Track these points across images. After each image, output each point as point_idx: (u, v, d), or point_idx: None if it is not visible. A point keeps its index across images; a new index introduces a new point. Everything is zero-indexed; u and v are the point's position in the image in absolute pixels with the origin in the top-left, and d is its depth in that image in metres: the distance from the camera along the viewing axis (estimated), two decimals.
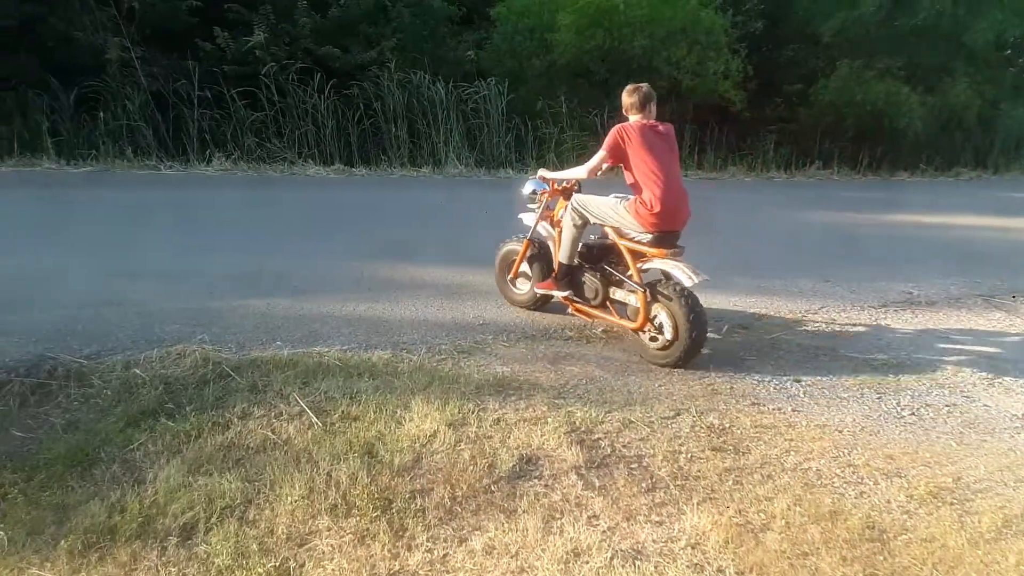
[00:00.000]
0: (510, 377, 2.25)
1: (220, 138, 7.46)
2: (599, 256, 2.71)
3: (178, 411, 1.92)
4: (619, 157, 2.45)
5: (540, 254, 2.88)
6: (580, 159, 7.69)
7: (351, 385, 2.09)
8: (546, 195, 2.82)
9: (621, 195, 2.54)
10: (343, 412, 1.92)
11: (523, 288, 3.02)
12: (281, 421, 1.87)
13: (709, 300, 2.90)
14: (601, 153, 2.46)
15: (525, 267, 2.96)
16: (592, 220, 2.61)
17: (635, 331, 2.51)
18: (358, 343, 2.52)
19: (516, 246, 2.97)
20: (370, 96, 7.81)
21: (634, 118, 2.49)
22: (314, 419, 1.87)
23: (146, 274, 3.30)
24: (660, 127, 2.49)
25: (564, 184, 2.77)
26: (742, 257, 4.38)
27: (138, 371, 2.13)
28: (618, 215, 2.49)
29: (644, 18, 7.98)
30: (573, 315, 2.85)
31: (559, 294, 2.75)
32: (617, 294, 2.59)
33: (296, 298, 3.02)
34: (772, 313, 3.20)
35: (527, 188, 2.93)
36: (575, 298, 2.72)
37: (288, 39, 7.64)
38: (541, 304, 2.97)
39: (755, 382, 2.35)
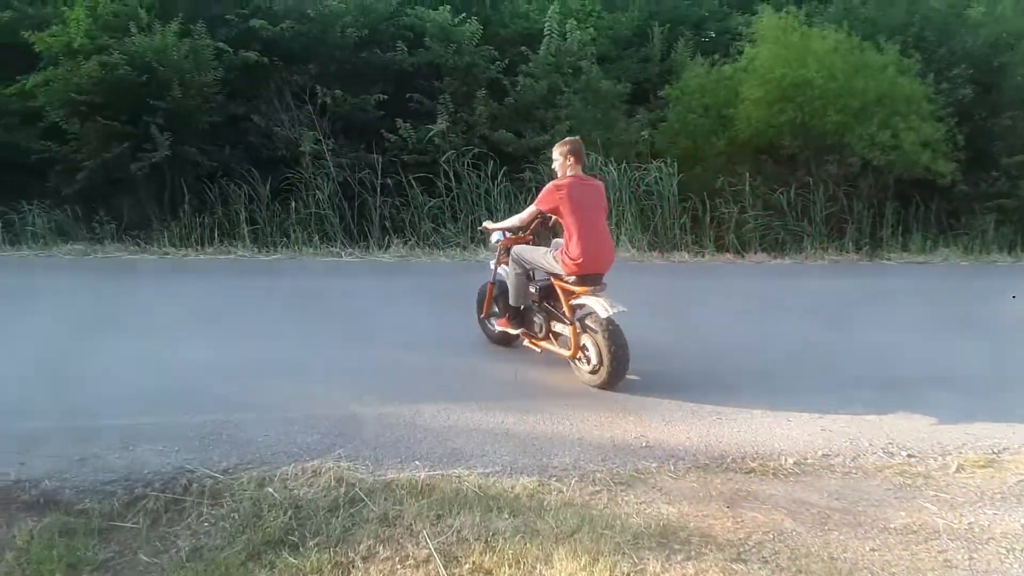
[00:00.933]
0: (677, 523, 2.17)
1: (399, 224, 8.63)
2: (544, 296, 3.67)
3: (302, 544, 2.06)
4: (553, 211, 3.49)
5: (503, 294, 3.84)
6: (764, 240, 8.10)
7: (488, 523, 2.12)
8: (500, 244, 3.85)
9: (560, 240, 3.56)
10: (474, 563, 1.93)
11: (489, 324, 4.06)
12: (407, 568, 1.92)
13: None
14: (531, 208, 3.58)
15: (494, 307, 3.97)
16: (528, 268, 3.65)
17: (570, 359, 3.54)
18: (502, 465, 2.62)
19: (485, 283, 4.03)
20: (543, 179, 8.76)
21: (569, 172, 3.49)
22: (442, 571, 1.90)
23: (300, 370, 3.71)
24: (591, 182, 3.52)
25: (518, 235, 3.81)
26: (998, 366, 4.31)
27: (271, 490, 2.32)
28: (547, 263, 3.52)
29: (838, 90, 8.51)
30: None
31: (512, 331, 3.78)
32: (556, 327, 3.61)
33: (443, 404, 3.21)
34: None
35: (493, 238, 3.97)
36: (528, 333, 3.73)
37: (465, 126, 8.85)
38: (509, 340, 3.95)
39: None
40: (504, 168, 8.78)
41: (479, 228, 4.14)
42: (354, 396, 3.30)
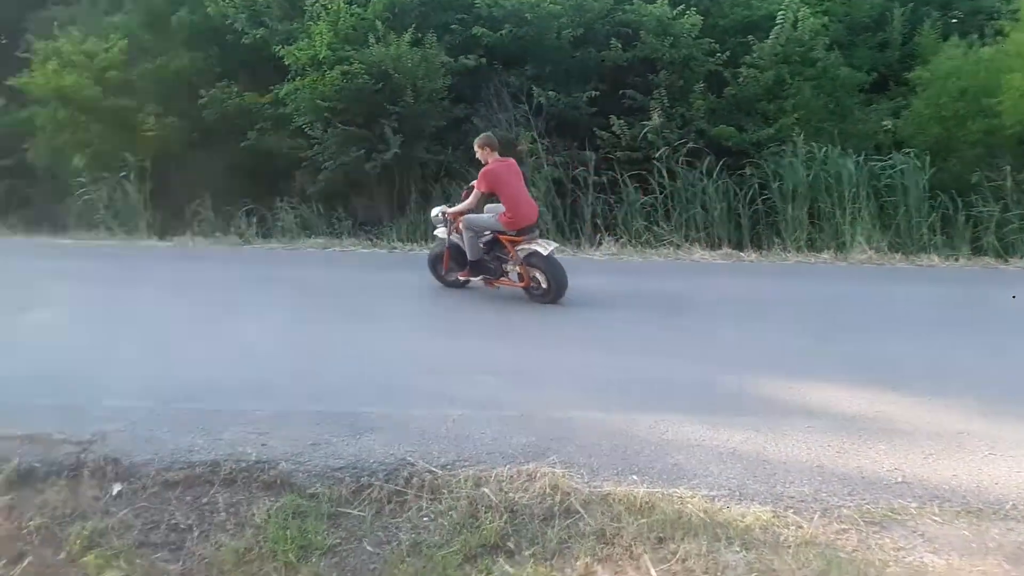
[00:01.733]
0: None
1: (611, 222, 9.57)
2: (489, 248, 5.70)
3: (518, 552, 2.23)
4: (490, 189, 5.51)
5: (457, 253, 5.83)
6: None
7: (717, 555, 2.13)
8: (448, 217, 5.79)
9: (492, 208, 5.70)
10: None
11: (450, 277, 6.08)
12: None
13: None
14: (476, 192, 5.56)
15: (452, 264, 5.95)
16: (479, 230, 5.60)
17: (524, 287, 5.67)
18: (729, 489, 2.63)
19: (440, 248, 6.08)
20: (767, 175, 9.30)
21: (491, 159, 5.57)
22: None
23: (515, 369, 4.10)
24: (507, 161, 5.67)
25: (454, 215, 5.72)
26: None
27: (487, 491, 2.56)
28: (493, 224, 5.56)
29: None
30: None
31: (474, 278, 5.87)
32: (507, 268, 5.70)
33: (662, 414, 3.32)
34: None
35: (434, 212, 6.05)
36: (486, 277, 5.80)
37: (681, 121, 9.66)
38: (462, 285, 6.08)
39: None
40: (722, 162, 9.41)
41: (435, 214, 6.03)
42: (569, 399, 3.53)
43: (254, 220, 9.76)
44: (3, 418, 3.21)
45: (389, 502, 2.60)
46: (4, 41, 11.73)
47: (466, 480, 2.65)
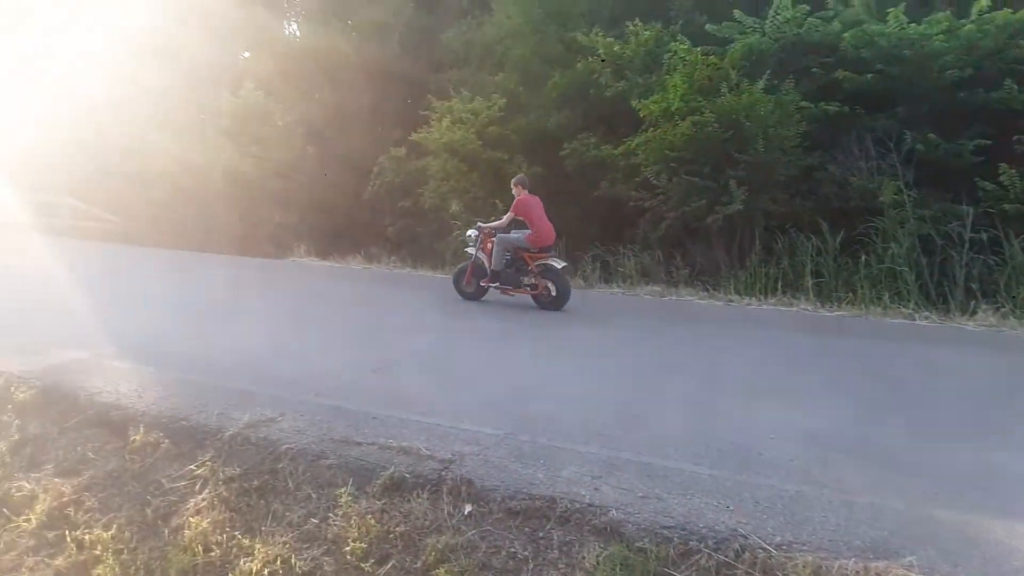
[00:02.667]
0: None
1: (990, 287, 9.66)
2: (511, 263, 8.58)
3: None
4: (520, 216, 8.51)
5: (479, 269, 8.77)
6: None
7: None
8: (482, 235, 8.77)
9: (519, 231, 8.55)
10: None
11: (470, 289, 8.90)
12: None
13: None
14: (509, 214, 8.61)
15: (474, 277, 8.82)
16: (508, 246, 8.52)
17: (534, 296, 8.60)
18: None
19: (464, 265, 9.05)
20: None
21: (522, 193, 8.58)
22: None
23: (864, 447, 4.07)
24: (535, 196, 8.72)
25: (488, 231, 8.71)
26: None
27: None
28: (521, 242, 8.46)
29: None
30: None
31: (493, 285, 8.67)
32: (523, 280, 8.53)
33: None
34: None
35: (470, 232, 9.02)
36: (505, 286, 8.64)
37: None
38: (479, 296, 8.93)
39: None
40: None
41: (470, 234, 9.02)
42: (929, 491, 3.47)
43: (598, 265, 12.16)
44: (386, 430, 4.16)
45: (717, 573, 2.78)
46: (409, 101, 16.24)
47: (804, 567, 2.72)
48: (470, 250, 8.93)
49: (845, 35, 11.10)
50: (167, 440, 4.37)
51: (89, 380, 5.13)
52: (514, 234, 8.60)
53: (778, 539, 2.95)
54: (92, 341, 6.11)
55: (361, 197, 14.33)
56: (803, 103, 10.91)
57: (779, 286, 10.71)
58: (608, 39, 13.16)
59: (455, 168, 13.62)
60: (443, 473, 3.64)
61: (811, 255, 10.83)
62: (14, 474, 4.32)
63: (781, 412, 4.70)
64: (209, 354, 6.10)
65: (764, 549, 2.86)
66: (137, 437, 4.38)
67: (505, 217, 8.71)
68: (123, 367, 5.47)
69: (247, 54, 17.17)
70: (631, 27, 13.20)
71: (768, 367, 6.21)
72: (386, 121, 15.66)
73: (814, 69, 11.26)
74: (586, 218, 12.32)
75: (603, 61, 12.64)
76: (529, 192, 8.68)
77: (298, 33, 17.89)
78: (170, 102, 15.46)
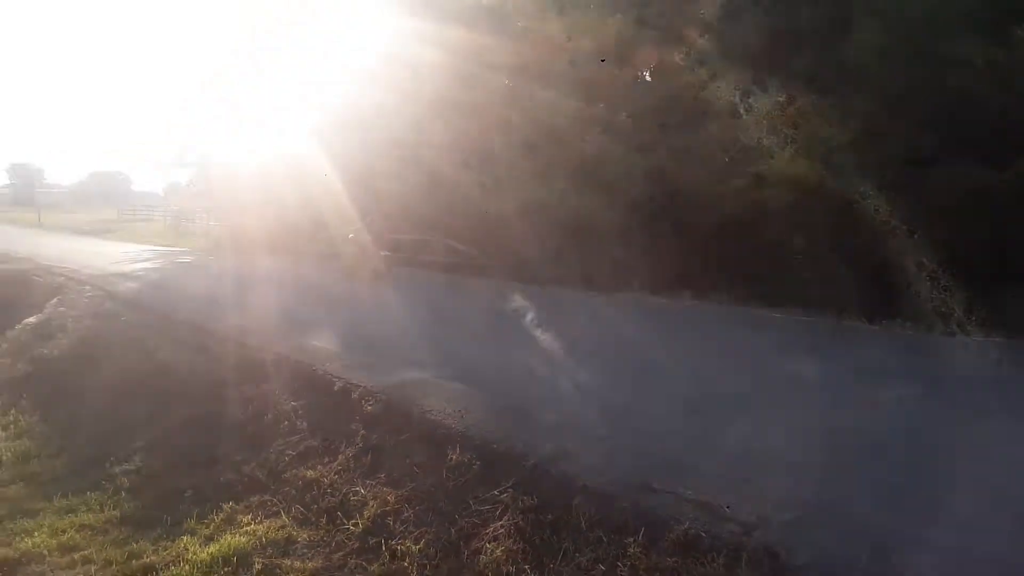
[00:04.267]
0: None
1: None
2: None
3: None
4: None
5: None
6: None
7: None
8: None
9: None
10: None
11: None
12: None
13: None
14: None
15: None
16: None
17: None
18: None
19: None
20: None
21: None
22: None
23: None
24: None
25: None
26: None
27: None
28: None
29: None
30: None
31: None
32: None
33: None
34: None
35: None
36: None
37: None
38: None
39: None
40: None
41: None
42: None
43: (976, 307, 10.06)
44: (688, 480, 3.90)
45: None
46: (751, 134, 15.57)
47: None
48: None
49: None
50: (479, 463, 4.57)
51: (425, 398, 5.64)
52: None
53: None
54: (436, 363, 6.73)
55: (698, 231, 13.85)
56: None
57: None
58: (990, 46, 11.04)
59: (800, 200, 12.53)
60: (743, 539, 3.24)
61: None
62: (354, 479, 4.90)
63: None
64: (527, 382, 6.31)
65: None
66: (454, 456, 4.65)
67: None
68: (455, 388, 5.94)
69: (602, 105, 17.97)
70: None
71: None
72: (732, 154, 14.99)
73: None
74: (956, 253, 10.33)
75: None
76: None
77: (649, 78, 18.21)
78: (524, 150, 16.71)
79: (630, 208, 14.14)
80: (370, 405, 5.68)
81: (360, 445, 5.27)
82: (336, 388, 6.13)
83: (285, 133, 18.85)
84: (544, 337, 8.58)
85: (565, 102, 15.57)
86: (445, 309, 10.89)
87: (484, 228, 15.58)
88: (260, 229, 19.72)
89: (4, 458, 6.35)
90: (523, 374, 6.57)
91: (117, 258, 19.22)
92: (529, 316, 9.77)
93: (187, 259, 18.54)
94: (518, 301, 11.28)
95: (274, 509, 4.89)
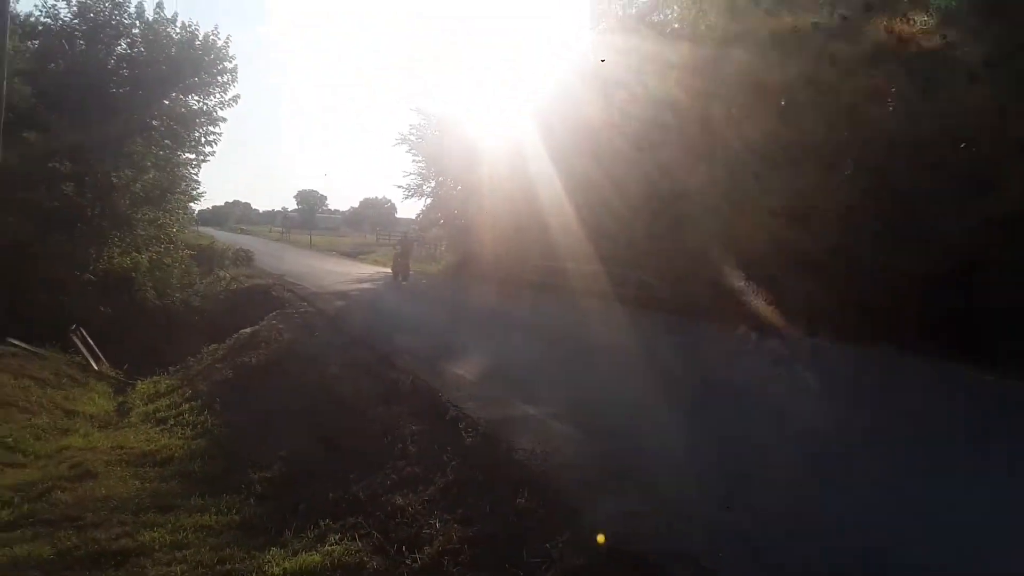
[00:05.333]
0: None
1: None
2: None
3: None
4: None
5: None
6: None
7: None
8: None
9: None
10: None
11: None
12: None
13: None
14: None
15: None
16: None
17: None
18: None
19: None
20: None
21: None
22: None
23: None
24: None
25: None
26: None
27: None
28: None
29: None
30: None
31: None
32: None
33: None
34: None
35: None
36: None
37: None
38: None
39: None
40: None
41: None
42: None
43: None
44: None
45: None
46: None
47: None
48: None
49: None
50: (543, 509, 4.33)
51: (519, 436, 5.49)
52: None
53: None
54: (557, 400, 6.53)
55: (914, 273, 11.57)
56: None
57: None
58: None
59: None
60: None
61: None
62: (435, 511, 4.86)
63: None
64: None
65: None
66: (521, 501, 4.45)
67: None
68: (557, 428, 5.71)
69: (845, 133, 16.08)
70: None
71: None
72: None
73: None
74: None
75: None
76: None
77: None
78: (728, 185, 15.27)
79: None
80: (471, 437, 5.64)
81: (452, 477, 5.23)
82: (448, 417, 6.18)
83: (513, 171, 19.48)
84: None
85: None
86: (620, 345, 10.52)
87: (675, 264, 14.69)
88: (485, 257, 20.74)
89: (177, 455, 7.27)
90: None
91: (347, 278, 21.42)
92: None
93: (405, 283, 20.09)
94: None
95: (362, 532, 5.01)
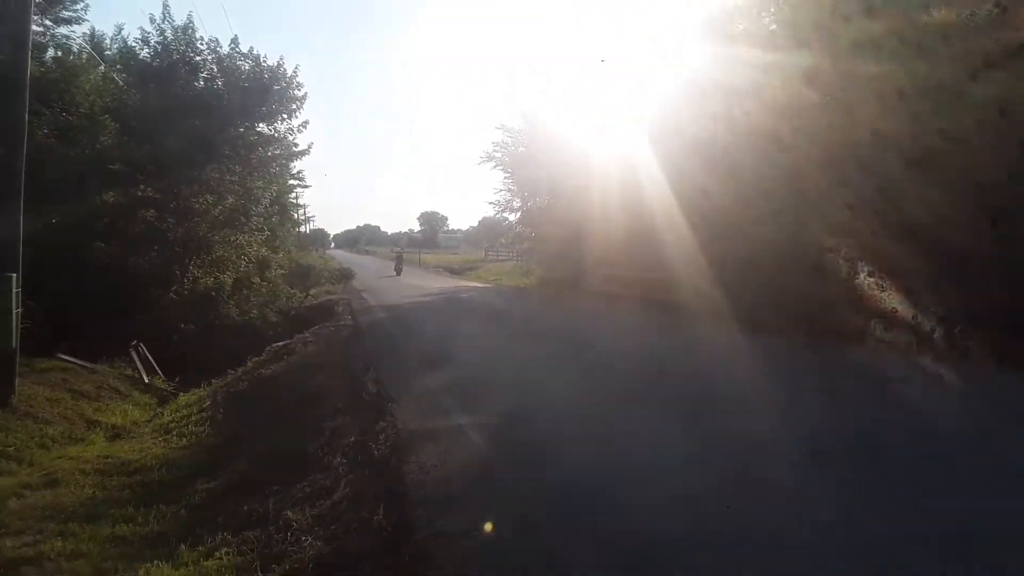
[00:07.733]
0: None
1: None
2: None
3: None
4: None
5: None
6: None
7: None
8: None
9: None
10: None
11: None
12: None
13: None
14: None
15: None
16: None
17: None
18: None
19: None
20: None
21: None
22: None
23: None
24: None
25: None
26: None
27: None
28: None
29: None
30: None
31: None
32: None
33: None
34: None
35: None
36: None
37: None
38: None
39: None
40: None
41: None
42: None
43: None
44: None
45: None
46: None
47: None
48: None
49: None
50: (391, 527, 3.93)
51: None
52: None
53: None
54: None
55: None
56: None
57: None
58: None
59: None
60: None
61: None
62: (319, 529, 4.55)
63: None
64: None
65: None
66: (378, 518, 4.07)
67: None
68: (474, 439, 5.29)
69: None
70: None
71: None
72: None
73: None
74: None
75: None
76: None
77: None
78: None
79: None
80: (379, 450, 5.31)
81: (347, 491, 4.93)
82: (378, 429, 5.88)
83: (605, 184, 18.76)
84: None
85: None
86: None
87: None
88: (584, 271, 20.10)
89: (151, 464, 7.34)
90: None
91: (418, 292, 21.61)
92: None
93: (466, 295, 19.94)
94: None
95: (251, 547, 4.77)
